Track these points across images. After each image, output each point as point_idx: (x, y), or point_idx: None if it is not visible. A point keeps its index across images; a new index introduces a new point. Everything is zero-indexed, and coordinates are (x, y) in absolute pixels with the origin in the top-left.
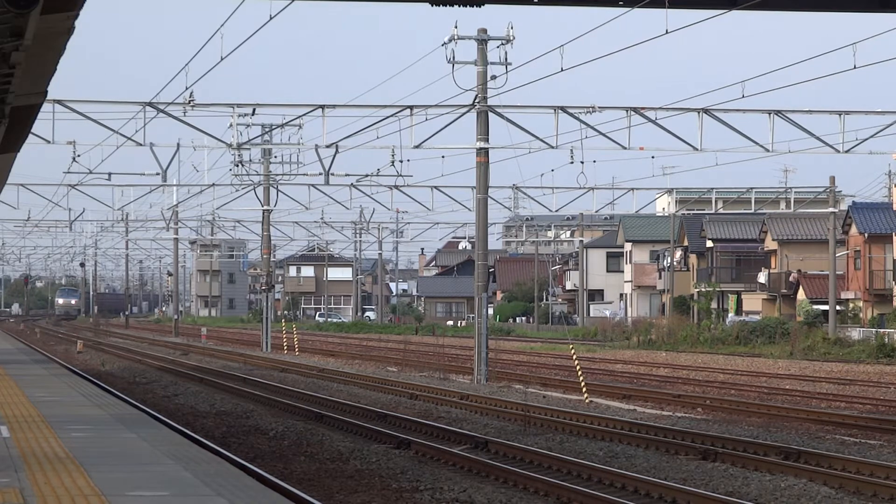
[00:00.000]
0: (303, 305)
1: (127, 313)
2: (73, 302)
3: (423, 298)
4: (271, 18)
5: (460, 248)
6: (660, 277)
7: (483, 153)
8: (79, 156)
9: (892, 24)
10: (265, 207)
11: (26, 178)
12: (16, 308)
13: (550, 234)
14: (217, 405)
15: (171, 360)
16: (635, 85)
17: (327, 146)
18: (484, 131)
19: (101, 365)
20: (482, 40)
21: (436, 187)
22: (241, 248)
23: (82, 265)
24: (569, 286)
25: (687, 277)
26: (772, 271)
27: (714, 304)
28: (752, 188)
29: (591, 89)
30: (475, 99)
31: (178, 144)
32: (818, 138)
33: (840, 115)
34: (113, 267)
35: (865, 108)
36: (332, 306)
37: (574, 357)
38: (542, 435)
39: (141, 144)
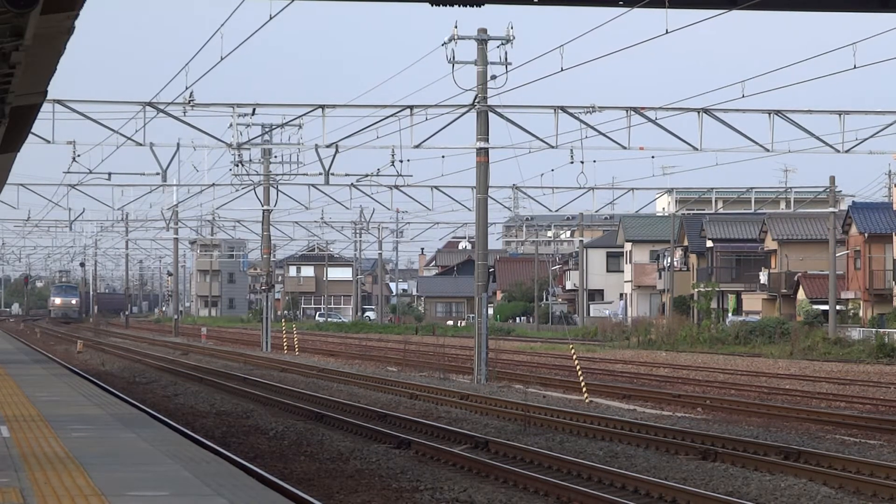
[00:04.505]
0: (303, 305)
1: (127, 313)
2: (72, 302)
3: (423, 298)
4: (271, 18)
5: (460, 248)
6: (660, 277)
7: (483, 153)
8: (79, 156)
9: (892, 24)
10: (265, 207)
11: (26, 178)
12: (16, 308)
13: (550, 234)
14: (217, 405)
15: (171, 360)
16: (635, 85)
17: (327, 146)
18: (484, 131)
19: (101, 365)
20: (482, 40)
21: (436, 187)
22: (241, 247)
23: (82, 265)
24: (569, 286)
25: (687, 277)
26: (772, 271)
27: (714, 304)
28: (752, 188)
29: (591, 89)
30: (475, 99)
31: (178, 144)
32: (818, 138)
33: (840, 115)
34: (113, 267)
35: (865, 108)
36: (332, 306)
37: (574, 357)
38: (542, 435)
39: (141, 144)
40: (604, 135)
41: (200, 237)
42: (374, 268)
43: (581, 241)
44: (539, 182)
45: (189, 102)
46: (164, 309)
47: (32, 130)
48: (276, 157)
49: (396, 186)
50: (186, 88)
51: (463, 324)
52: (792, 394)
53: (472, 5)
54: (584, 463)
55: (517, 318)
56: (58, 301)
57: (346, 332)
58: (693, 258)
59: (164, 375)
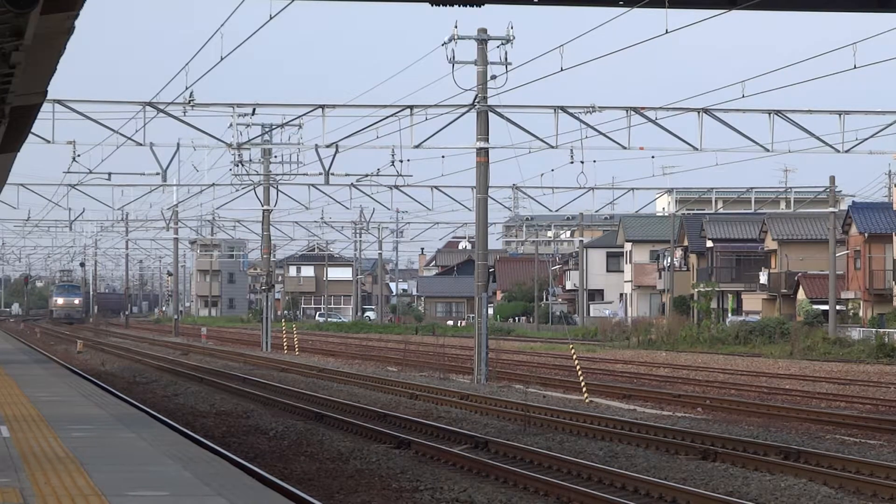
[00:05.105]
0: (303, 305)
1: (127, 313)
2: (75, 302)
3: (423, 298)
4: (271, 18)
5: (460, 248)
6: (660, 277)
7: (483, 153)
8: (79, 156)
9: (892, 24)
10: (265, 207)
11: (26, 178)
12: (16, 308)
13: (550, 234)
14: (217, 405)
15: (171, 360)
16: (635, 85)
17: (327, 146)
18: (484, 131)
19: (101, 365)
20: (482, 40)
21: (436, 187)
22: (241, 247)
23: (82, 265)
24: (569, 286)
25: (687, 277)
26: (772, 271)
27: (714, 304)
28: (752, 188)
29: (591, 89)
30: (475, 99)
31: (178, 144)
32: (818, 138)
33: (840, 115)
34: (113, 267)
35: (865, 108)
36: (332, 306)
37: (574, 357)
38: (542, 435)
39: (141, 144)
40: (604, 135)
41: (200, 237)
42: (374, 268)
43: (581, 241)
44: (539, 182)
45: (189, 102)
46: (164, 309)
47: (32, 130)
48: (276, 157)
49: (396, 186)
50: (186, 88)
51: (463, 324)
52: (792, 394)
53: (472, 5)
54: (584, 463)
55: (517, 318)
56: (60, 301)
57: (346, 332)
58: (693, 258)
59: (164, 375)
